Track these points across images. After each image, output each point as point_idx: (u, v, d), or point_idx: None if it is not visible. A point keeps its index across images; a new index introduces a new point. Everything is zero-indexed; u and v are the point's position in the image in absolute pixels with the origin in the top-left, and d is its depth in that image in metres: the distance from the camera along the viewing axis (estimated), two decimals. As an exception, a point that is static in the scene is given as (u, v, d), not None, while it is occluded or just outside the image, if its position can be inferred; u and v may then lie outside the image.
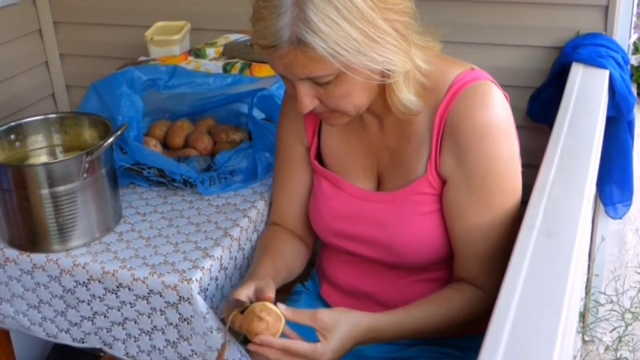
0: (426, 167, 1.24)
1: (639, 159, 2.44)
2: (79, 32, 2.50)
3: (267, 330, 1.10)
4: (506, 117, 1.21)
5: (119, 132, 1.40)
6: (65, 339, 1.44)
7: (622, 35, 1.92)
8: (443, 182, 1.24)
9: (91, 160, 1.35)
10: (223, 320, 1.23)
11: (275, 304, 1.13)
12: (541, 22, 1.94)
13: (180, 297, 1.28)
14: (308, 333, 1.15)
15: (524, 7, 1.95)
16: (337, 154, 1.36)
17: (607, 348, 2.26)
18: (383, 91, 1.19)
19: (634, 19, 1.98)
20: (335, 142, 1.36)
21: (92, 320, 1.40)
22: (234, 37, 2.11)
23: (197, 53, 2.02)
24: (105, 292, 1.35)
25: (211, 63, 1.96)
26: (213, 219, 1.47)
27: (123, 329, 1.38)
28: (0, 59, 2.34)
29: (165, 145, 1.71)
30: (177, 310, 1.30)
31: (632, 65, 2.62)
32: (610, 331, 2.23)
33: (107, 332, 1.39)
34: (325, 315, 1.14)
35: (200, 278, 1.29)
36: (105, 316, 1.38)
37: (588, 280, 2.19)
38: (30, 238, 1.38)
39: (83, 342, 1.43)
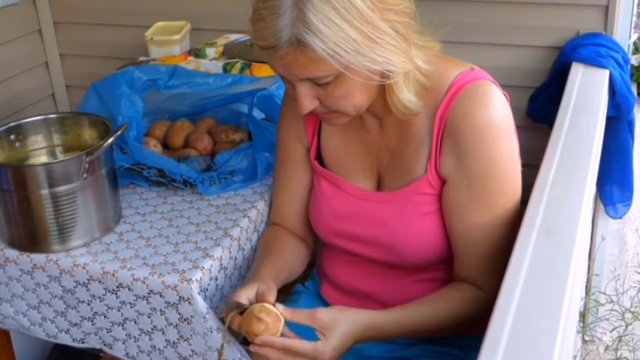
0: (426, 167, 1.24)
1: (639, 158, 2.44)
2: (79, 32, 2.50)
3: (266, 331, 1.11)
4: (506, 117, 1.21)
5: (118, 132, 1.40)
6: (65, 340, 1.44)
7: (622, 35, 1.92)
8: (443, 182, 1.24)
9: (91, 161, 1.35)
10: (222, 320, 1.23)
11: (274, 304, 1.13)
12: (541, 22, 1.94)
13: (180, 297, 1.28)
14: (306, 333, 1.15)
15: (524, 7, 1.95)
16: (337, 154, 1.36)
17: (607, 348, 2.26)
18: (383, 91, 1.19)
19: (634, 18, 1.98)
20: (335, 142, 1.36)
21: (92, 321, 1.40)
22: (234, 37, 2.11)
23: (197, 53, 2.02)
24: (105, 293, 1.35)
25: (211, 63, 1.96)
26: (213, 219, 1.47)
27: (123, 329, 1.38)
28: (0, 59, 2.34)
29: (165, 145, 1.71)
30: (177, 310, 1.30)
31: (632, 65, 2.62)
32: (610, 331, 2.23)
33: (107, 332, 1.39)
34: (323, 315, 1.14)
35: (200, 278, 1.29)
36: (105, 316, 1.38)
37: (588, 280, 2.19)
38: (30, 238, 1.38)
39: (83, 343, 1.43)
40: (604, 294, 2.26)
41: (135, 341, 1.38)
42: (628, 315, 2.22)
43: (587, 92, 1.63)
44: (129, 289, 1.32)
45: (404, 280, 1.34)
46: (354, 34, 1.05)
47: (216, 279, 1.36)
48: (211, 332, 1.28)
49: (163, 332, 1.34)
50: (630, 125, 1.90)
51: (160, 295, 1.30)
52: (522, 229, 1.07)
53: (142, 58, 2.08)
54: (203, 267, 1.31)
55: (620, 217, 2.07)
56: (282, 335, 1.13)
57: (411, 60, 1.15)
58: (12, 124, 1.48)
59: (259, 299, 1.15)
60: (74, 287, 1.37)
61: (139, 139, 1.60)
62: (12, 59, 2.40)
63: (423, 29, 1.18)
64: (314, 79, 1.11)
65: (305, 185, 1.42)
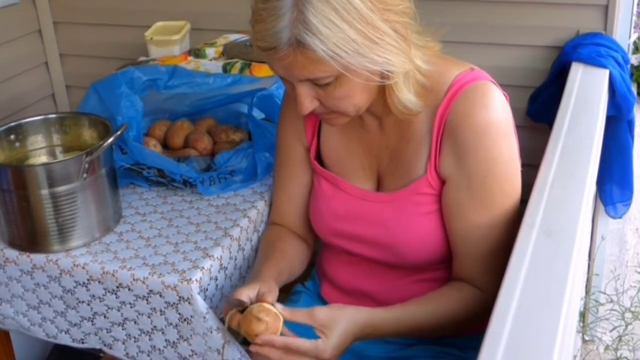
0: (426, 168, 1.24)
1: (639, 158, 2.44)
2: (79, 33, 2.50)
3: (266, 331, 1.11)
4: (506, 117, 1.21)
5: (118, 133, 1.40)
6: (65, 340, 1.44)
7: (622, 34, 1.92)
8: (443, 182, 1.24)
9: (91, 161, 1.35)
10: (222, 320, 1.23)
11: (272, 304, 1.13)
12: (541, 21, 1.94)
13: (180, 297, 1.28)
14: (305, 332, 1.15)
15: (524, 7, 1.95)
16: (337, 154, 1.36)
17: (607, 347, 2.26)
18: (383, 91, 1.19)
19: (634, 18, 1.98)
20: (335, 142, 1.36)
21: (92, 321, 1.40)
22: (233, 37, 2.11)
23: (197, 53, 2.02)
24: (105, 293, 1.35)
25: (211, 63, 1.96)
26: (213, 219, 1.47)
27: (123, 329, 1.38)
28: (0, 59, 2.34)
29: (165, 145, 1.71)
30: (177, 310, 1.30)
31: (632, 65, 2.62)
32: (610, 330, 2.23)
33: (107, 332, 1.39)
34: (321, 313, 1.14)
35: (200, 278, 1.29)
36: (105, 316, 1.38)
37: (588, 280, 2.19)
38: (30, 238, 1.38)
39: (83, 343, 1.43)
40: (604, 293, 2.26)
41: (135, 341, 1.38)
42: (628, 315, 2.22)
43: (587, 91, 1.63)
44: (129, 289, 1.32)
45: (404, 280, 1.34)
46: (354, 34, 1.05)
47: (216, 279, 1.36)
48: (211, 332, 1.28)
49: (163, 332, 1.34)
50: (630, 124, 1.90)
51: (160, 295, 1.30)
52: (522, 228, 1.07)
53: (142, 58, 2.08)
54: (203, 267, 1.31)
55: (620, 217, 2.07)
56: (282, 334, 1.13)
57: (411, 61, 1.15)
58: (12, 124, 1.48)
59: (259, 299, 1.15)
60: (74, 287, 1.37)
61: (139, 139, 1.60)
62: (12, 59, 2.40)
63: (423, 29, 1.18)
64: (314, 79, 1.11)
65: (306, 185, 1.42)
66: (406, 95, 1.18)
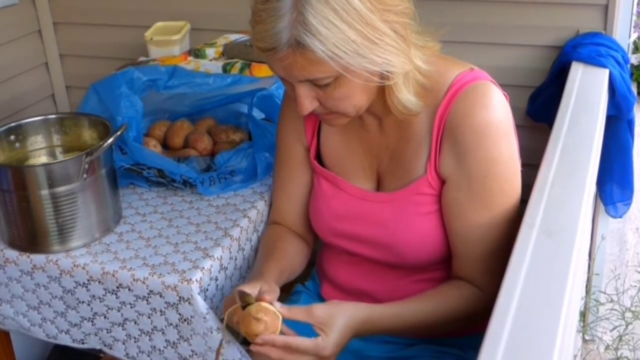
0: (426, 168, 1.24)
1: (639, 158, 2.44)
2: (79, 33, 2.50)
3: (266, 331, 1.11)
4: (506, 117, 1.21)
5: (118, 133, 1.40)
6: (65, 340, 1.44)
7: (622, 34, 1.92)
8: (442, 182, 1.24)
9: (91, 161, 1.35)
10: (222, 320, 1.23)
11: (271, 303, 1.13)
12: (541, 21, 1.94)
13: (180, 297, 1.28)
14: (304, 331, 1.15)
15: (524, 7, 1.95)
16: (337, 154, 1.36)
17: (607, 347, 2.25)
18: (382, 92, 1.19)
19: (634, 18, 1.98)
20: (335, 142, 1.36)
21: (92, 321, 1.40)
22: (233, 37, 2.11)
23: (196, 53, 2.02)
24: (105, 293, 1.35)
25: (211, 63, 1.96)
26: (213, 219, 1.47)
27: (123, 329, 1.38)
28: (0, 60, 2.34)
29: (165, 145, 1.71)
30: (177, 310, 1.30)
31: (632, 64, 2.62)
32: (611, 330, 2.23)
33: (107, 332, 1.39)
34: (319, 310, 1.14)
35: (200, 278, 1.29)
36: (105, 317, 1.38)
37: (588, 280, 2.19)
38: (30, 239, 1.38)
39: (83, 343, 1.43)
40: (604, 293, 2.26)
41: (135, 342, 1.38)
42: (628, 315, 2.22)
43: (587, 91, 1.63)
44: (129, 290, 1.32)
45: (404, 280, 1.34)
46: (354, 35, 1.05)
47: (216, 279, 1.36)
48: (211, 332, 1.28)
49: (163, 333, 1.34)
50: (630, 124, 1.89)
51: (160, 296, 1.30)
52: (522, 228, 1.07)
53: (142, 58, 2.08)
54: (203, 268, 1.31)
55: (621, 217, 2.07)
56: (281, 333, 1.13)
57: (411, 61, 1.15)
58: (12, 124, 1.48)
59: (258, 298, 1.15)
60: (74, 288, 1.37)
61: (139, 139, 1.60)
62: (12, 59, 2.40)
63: (422, 29, 1.18)
64: (314, 80, 1.11)
65: (306, 185, 1.42)
66: (406, 96, 1.18)
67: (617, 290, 2.29)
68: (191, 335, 1.31)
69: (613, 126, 1.87)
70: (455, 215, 1.23)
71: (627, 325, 2.20)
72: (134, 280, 1.31)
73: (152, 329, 1.35)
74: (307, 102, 1.15)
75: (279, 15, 1.05)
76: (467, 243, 1.24)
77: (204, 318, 1.28)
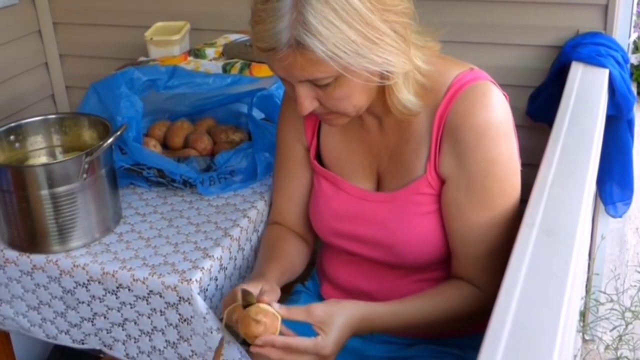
0: (425, 168, 1.24)
1: (639, 157, 2.44)
2: (79, 33, 2.50)
3: (265, 332, 1.11)
4: (505, 117, 1.21)
5: (118, 133, 1.40)
6: (65, 341, 1.44)
7: (622, 34, 1.92)
8: (442, 182, 1.24)
9: (91, 161, 1.35)
10: (222, 319, 1.23)
11: (269, 303, 1.13)
12: (541, 21, 1.94)
13: (180, 297, 1.28)
14: (304, 331, 1.15)
15: (524, 7, 1.95)
16: (337, 154, 1.36)
17: (607, 347, 2.25)
18: (382, 92, 1.19)
19: (634, 17, 1.98)
20: (335, 142, 1.36)
21: (92, 321, 1.40)
22: (233, 37, 2.11)
23: (196, 53, 2.02)
24: (105, 293, 1.35)
25: (211, 63, 1.96)
26: (213, 219, 1.47)
27: (123, 329, 1.38)
28: (0, 60, 2.34)
29: (165, 145, 1.71)
30: (177, 310, 1.30)
31: (631, 64, 2.62)
32: (611, 330, 2.23)
33: (107, 333, 1.39)
34: (318, 310, 1.14)
35: (200, 278, 1.29)
36: (105, 317, 1.38)
37: (588, 279, 2.19)
38: (30, 239, 1.38)
39: (83, 344, 1.43)
40: (604, 293, 2.26)
41: (135, 342, 1.38)
42: (628, 315, 2.22)
43: (586, 91, 1.63)
44: (129, 290, 1.32)
45: (404, 280, 1.34)
46: (354, 35, 1.05)
47: (216, 279, 1.36)
48: (211, 332, 1.28)
49: (163, 333, 1.34)
50: (630, 124, 1.89)
51: (160, 296, 1.30)
52: (522, 228, 1.07)
53: (142, 58, 2.08)
54: (203, 268, 1.31)
55: (620, 216, 2.07)
56: (281, 333, 1.13)
57: (410, 61, 1.14)
58: (12, 124, 1.48)
59: (258, 298, 1.15)
60: (74, 288, 1.37)
61: (139, 139, 1.60)
62: (12, 59, 2.40)
63: (422, 29, 1.18)
64: (314, 80, 1.11)
65: (306, 185, 1.42)
66: (406, 96, 1.18)
67: (617, 290, 2.29)
68: (191, 336, 1.31)
69: (613, 126, 1.87)
70: (455, 215, 1.23)
71: (627, 325, 2.20)
72: (133, 280, 1.31)
73: (152, 329, 1.35)
74: (307, 102, 1.15)
75: (279, 15, 1.05)
76: (466, 243, 1.24)
77: (204, 318, 1.28)
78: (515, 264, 0.98)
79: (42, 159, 1.51)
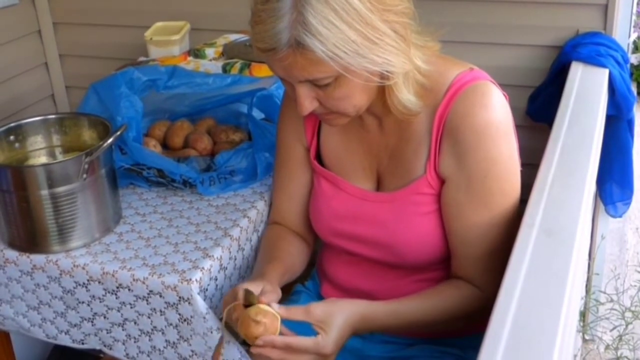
0: (425, 168, 1.24)
1: (639, 157, 2.44)
2: (79, 33, 2.50)
3: (265, 332, 1.10)
4: (505, 117, 1.21)
5: (118, 133, 1.40)
6: (65, 341, 1.44)
7: (622, 34, 1.92)
8: (442, 182, 1.24)
9: (91, 161, 1.35)
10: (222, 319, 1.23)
11: (269, 304, 1.13)
12: (541, 21, 1.94)
13: (180, 297, 1.28)
14: (303, 331, 1.15)
15: (524, 7, 1.95)
16: (337, 154, 1.36)
17: (607, 347, 2.26)
18: (382, 92, 1.19)
19: (634, 17, 1.98)
20: (335, 142, 1.36)
21: (92, 321, 1.40)
22: (233, 37, 2.11)
23: (196, 53, 2.02)
24: (105, 293, 1.35)
25: (211, 63, 1.96)
26: (213, 219, 1.47)
27: (123, 329, 1.38)
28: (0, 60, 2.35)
29: (165, 145, 1.71)
30: (177, 310, 1.30)
31: (631, 64, 2.62)
32: (611, 330, 2.23)
33: (107, 333, 1.39)
34: (318, 309, 1.14)
35: (200, 278, 1.29)
36: (105, 317, 1.38)
37: (588, 279, 2.19)
38: (30, 239, 1.38)
39: (83, 344, 1.43)
40: (604, 293, 2.26)
41: (135, 342, 1.38)
42: (628, 315, 2.22)
43: (586, 91, 1.63)
44: (129, 290, 1.32)
45: (404, 280, 1.34)
46: (354, 35, 1.05)
47: (216, 279, 1.36)
48: (211, 332, 1.28)
49: (163, 333, 1.34)
50: (630, 124, 1.90)
51: (160, 296, 1.30)
52: (521, 228, 1.07)
53: (142, 58, 2.08)
54: (203, 267, 1.31)
55: (620, 216, 2.07)
56: (281, 334, 1.13)
57: (410, 61, 1.14)
58: (12, 124, 1.48)
59: (258, 298, 1.14)
60: (74, 288, 1.37)
61: (139, 139, 1.60)
62: (12, 59, 2.40)
63: (422, 29, 1.18)
64: (314, 80, 1.11)
65: (306, 185, 1.42)
66: (406, 96, 1.18)
67: (617, 290, 2.29)
68: (191, 335, 1.31)
69: (613, 126, 1.87)
70: (454, 215, 1.23)
71: (627, 325, 2.20)
72: (133, 280, 1.31)
73: (152, 329, 1.35)
74: (307, 102, 1.15)
75: (279, 15, 1.05)
76: (466, 243, 1.24)
77: (204, 318, 1.28)
78: (515, 264, 0.98)
79: (42, 159, 1.51)
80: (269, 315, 1.11)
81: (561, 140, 1.35)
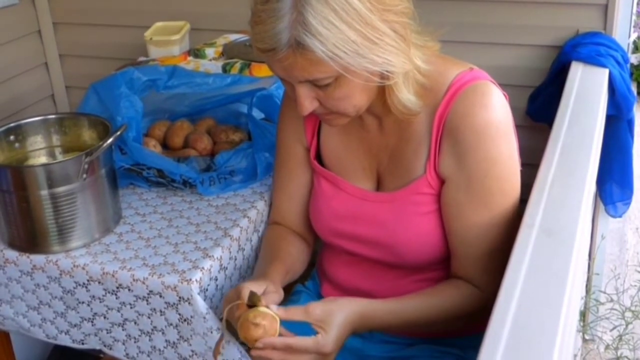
0: (425, 167, 1.24)
1: (639, 157, 2.44)
2: (79, 33, 2.50)
3: (265, 334, 1.10)
4: (505, 117, 1.21)
5: (118, 133, 1.40)
6: (65, 341, 1.44)
7: (622, 33, 1.92)
8: (442, 182, 1.24)
9: (91, 161, 1.35)
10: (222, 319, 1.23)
11: (267, 306, 1.13)
12: (541, 21, 1.94)
13: (180, 297, 1.28)
14: (303, 331, 1.15)
15: (524, 6, 1.95)
16: (337, 154, 1.36)
17: (607, 347, 2.26)
18: (382, 92, 1.19)
19: (634, 17, 1.98)
20: (335, 142, 1.36)
21: (92, 322, 1.40)
22: (233, 37, 2.11)
23: (196, 53, 2.02)
24: (105, 293, 1.35)
25: (210, 63, 1.96)
26: (213, 219, 1.47)
27: (123, 329, 1.38)
28: (-1, 60, 2.35)
29: (165, 145, 1.71)
30: (177, 310, 1.30)
31: (631, 64, 2.62)
32: (611, 330, 2.23)
33: (107, 333, 1.39)
34: (317, 309, 1.14)
35: (200, 278, 1.29)
36: (105, 317, 1.38)
37: (588, 279, 2.19)
38: (30, 239, 1.38)
39: (83, 344, 1.43)
40: (604, 292, 2.26)
41: (135, 342, 1.38)
42: (628, 314, 2.22)
43: (586, 91, 1.63)
44: (129, 290, 1.32)
45: (404, 280, 1.34)
46: (353, 35, 1.05)
47: (216, 279, 1.35)
48: (211, 332, 1.28)
49: (163, 333, 1.34)
50: (630, 124, 1.90)
51: (160, 296, 1.30)
52: (521, 228, 1.07)
53: (142, 58, 2.08)
54: (203, 268, 1.31)
55: (620, 216, 2.07)
56: (280, 335, 1.12)
57: (410, 61, 1.14)
58: (12, 124, 1.48)
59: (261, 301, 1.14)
60: (74, 288, 1.37)
61: (139, 139, 1.60)
62: (12, 59, 2.40)
63: (422, 29, 1.18)
64: (314, 80, 1.11)
65: (306, 185, 1.42)
66: (406, 96, 1.18)
67: (617, 290, 2.29)
68: (191, 335, 1.31)
69: (613, 126, 1.87)
70: (454, 215, 1.23)
71: (627, 325, 2.20)
72: (133, 280, 1.31)
73: (152, 329, 1.35)
74: (307, 102, 1.15)
75: (279, 15, 1.05)
76: (466, 243, 1.24)
77: (204, 318, 1.28)
78: (515, 264, 0.98)
79: (42, 159, 1.51)
80: (268, 317, 1.11)
81: (561, 140, 1.35)
